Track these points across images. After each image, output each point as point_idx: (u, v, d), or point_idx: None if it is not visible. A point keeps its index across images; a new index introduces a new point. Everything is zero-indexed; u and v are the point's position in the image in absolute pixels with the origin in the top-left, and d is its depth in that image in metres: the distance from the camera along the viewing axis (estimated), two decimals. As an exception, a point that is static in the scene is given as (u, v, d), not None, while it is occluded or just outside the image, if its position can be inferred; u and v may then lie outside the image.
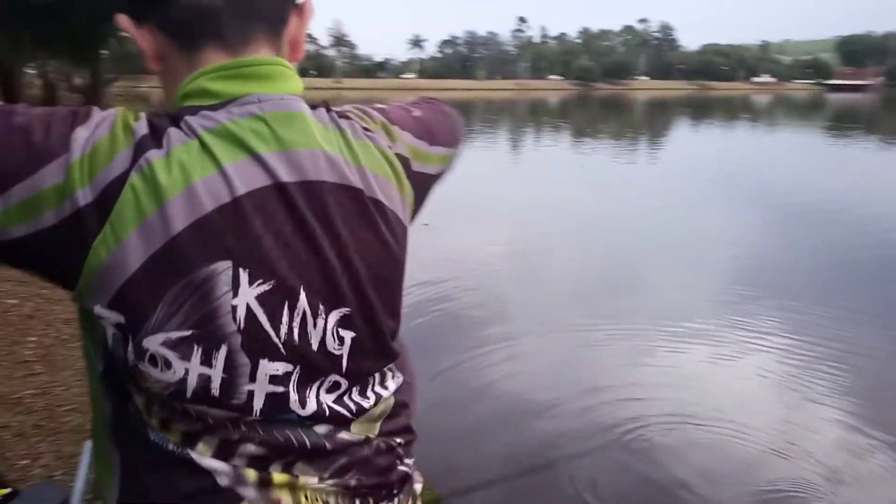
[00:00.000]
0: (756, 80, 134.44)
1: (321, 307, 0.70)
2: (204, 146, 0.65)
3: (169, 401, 0.66)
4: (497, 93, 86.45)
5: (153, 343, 0.63)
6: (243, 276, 0.65)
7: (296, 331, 0.69)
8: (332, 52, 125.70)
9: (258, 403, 0.68)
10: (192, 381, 0.65)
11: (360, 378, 0.77)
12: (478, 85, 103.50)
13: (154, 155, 0.62)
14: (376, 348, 0.78)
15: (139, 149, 0.62)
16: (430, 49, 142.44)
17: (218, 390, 0.66)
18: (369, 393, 0.79)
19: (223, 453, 0.69)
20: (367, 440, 0.79)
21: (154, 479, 0.69)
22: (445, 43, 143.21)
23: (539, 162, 18.02)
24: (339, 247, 0.71)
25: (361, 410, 0.78)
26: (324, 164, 0.70)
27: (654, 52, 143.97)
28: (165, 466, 0.69)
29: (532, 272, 7.08)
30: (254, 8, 0.71)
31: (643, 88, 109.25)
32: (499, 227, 9.07)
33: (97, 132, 0.62)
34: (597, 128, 32.27)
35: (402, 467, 0.84)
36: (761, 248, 8.06)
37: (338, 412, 0.75)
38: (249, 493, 0.71)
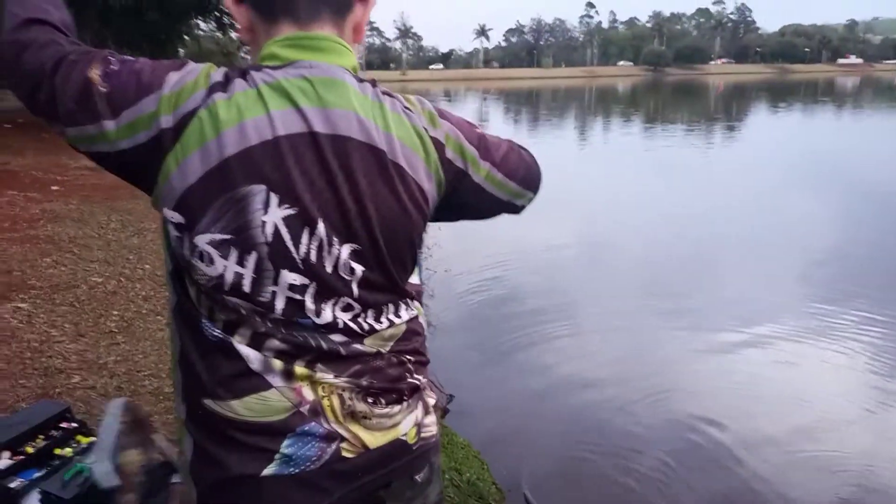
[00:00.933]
0: (842, 61, 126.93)
1: (335, 239, 0.86)
2: (259, 94, 0.82)
3: (212, 292, 0.84)
4: (564, 80, 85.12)
5: (202, 241, 0.81)
6: (274, 198, 0.82)
7: (313, 252, 0.85)
8: (397, 45, 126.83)
9: (279, 304, 0.85)
10: (228, 277, 0.83)
11: (370, 306, 0.92)
12: (544, 73, 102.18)
13: (220, 97, 0.81)
14: (385, 285, 0.93)
15: (211, 91, 0.81)
16: (496, 38, 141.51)
17: (248, 287, 0.83)
18: (383, 319, 0.94)
19: (255, 343, 0.86)
20: (379, 353, 0.95)
21: (201, 360, 0.88)
22: (511, 31, 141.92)
23: (606, 152, 17.73)
24: (357, 193, 0.86)
25: (373, 331, 0.93)
26: (354, 124, 0.86)
27: (731, 34, 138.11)
28: (211, 350, 0.87)
29: (606, 266, 6.90)
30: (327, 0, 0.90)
31: (719, 73, 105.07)
32: (566, 222, 8.75)
33: (186, 77, 0.82)
34: (666, 115, 31.42)
35: (411, 379, 1.00)
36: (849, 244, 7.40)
37: (350, 327, 0.91)
38: (276, 380, 0.87)
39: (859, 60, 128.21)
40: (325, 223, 0.85)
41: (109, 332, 3.60)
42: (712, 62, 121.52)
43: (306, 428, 0.89)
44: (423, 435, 1.02)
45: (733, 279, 6.32)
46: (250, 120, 0.81)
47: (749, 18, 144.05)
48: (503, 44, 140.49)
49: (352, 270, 0.89)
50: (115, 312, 3.89)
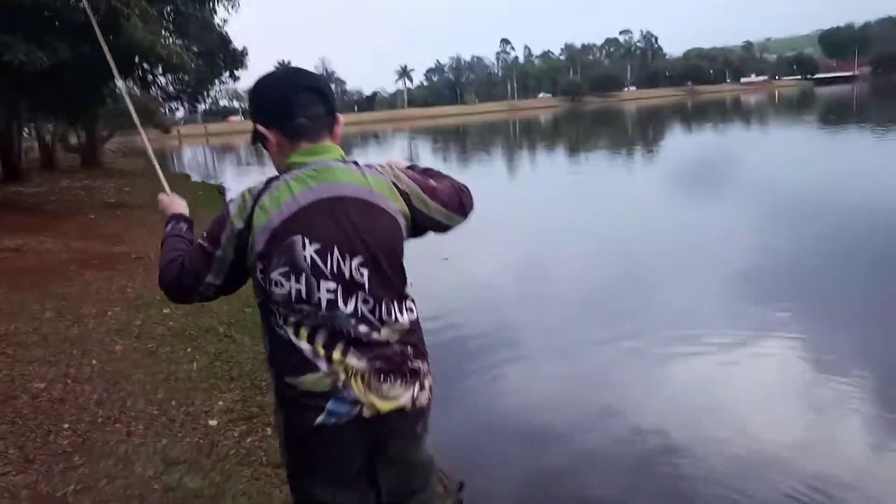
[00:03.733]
0: (745, 80, 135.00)
1: (347, 255, 1.47)
2: (288, 185, 1.48)
3: (285, 304, 1.47)
4: (488, 115, 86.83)
5: (275, 275, 1.46)
6: (307, 241, 1.45)
7: (335, 266, 1.47)
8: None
9: (323, 303, 1.47)
10: (293, 292, 1.46)
11: (380, 299, 1.51)
12: (468, 109, 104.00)
13: (265, 195, 1.48)
14: (386, 284, 1.52)
15: (258, 196, 1.49)
16: (418, 78, 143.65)
17: (304, 295, 1.46)
18: (392, 312, 1.53)
19: (310, 337, 1.47)
20: (388, 343, 1.52)
21: (278, 356, 1.52)
22: (432, 70, 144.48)
23: (537, 182, 17.99)
24: (354, 225, 1.48)
25: (383, 322, 1.51)
26: (347, 188, 1.50)
27: (640, 61, 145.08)
28: (283, 348, 1.49)
29: (554, 293, 7.09)
30: (323, 124, 1.56)
31: (632, 98, 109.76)
32: (509, 252, 9.10)
33: (235, 202, 1.50)
34: (589, 142, 32.33)
35: (411, 365, 1.56)
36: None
37: (369, 319, 1.50)
38: (322, 364, 1.47)
39: (762, 78, 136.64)
40: (337, 247, 1.47)
41: (63, 452, 3.12)
42: (626, 89, 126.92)
43: (342, 395, 1.47)
44: (417, 404, 1.57)
45: (665, 296, 6.56)
46: (284, 202, 1.46)
47: (655, 45, 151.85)
48: (425, 83, 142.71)
49: (361, 274, 1.49)
50: (66, 426, 3.40)
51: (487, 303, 6.82)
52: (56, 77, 11.12)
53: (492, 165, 23.51)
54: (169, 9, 14.38)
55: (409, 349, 1.57)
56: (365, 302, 1.50)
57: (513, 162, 24.48)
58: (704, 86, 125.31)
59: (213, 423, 3.56)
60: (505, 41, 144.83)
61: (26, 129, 23.61)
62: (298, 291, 1.46)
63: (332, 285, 1.47)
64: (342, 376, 1.47)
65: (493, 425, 4.10)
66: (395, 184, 1.55)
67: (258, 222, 1.47)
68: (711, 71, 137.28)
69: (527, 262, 8.68)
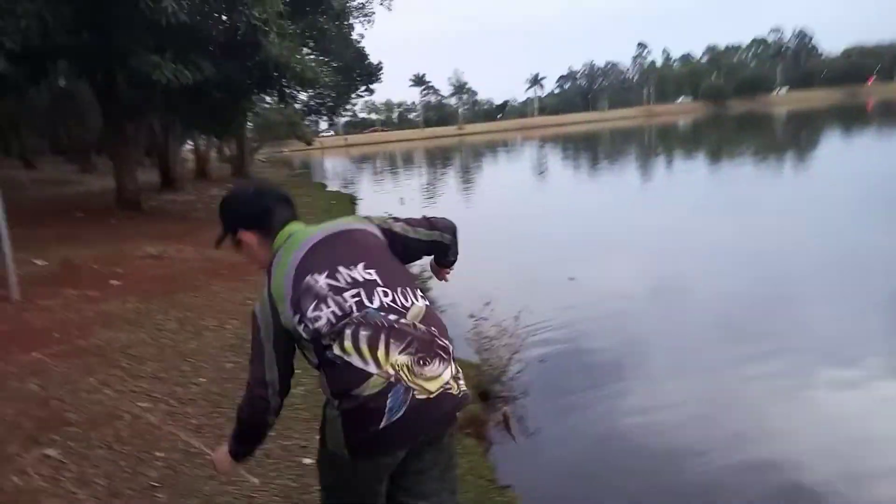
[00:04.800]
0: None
1: (352, 266, 1.78)
2: (285, 253, 1.83)
3: (328, 333, 1.71)
4: (621, 122, 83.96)
5: (310, 313, 1.72)
6: (316, 275, 1.76)
7: (348, 278, 1.76)
8: (453, 101, 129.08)
9: (353, 307, 1.72)
10: (329, 316, 1.71)
11: (394, 288, 1.78)
12: (600, 116, 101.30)
13: (272, 277, 1.82)
14: (395, 276, 1.82)
15: (268, 283, 1.82)
16: (550, 86, 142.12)
17: (339, 311, 1.72)
18: (408, 298, 1.79)
19: (356, 346, 1.69)
20: (415, 326, 1.76)
21: (337, 382, 1.71)
22: (563, 78, 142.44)
23: (673, 192, 16.76)
24: (345, 246, 1.84)
25: (406, 308, 1.77)
26: (326, 230, 1.88)
27: (792, 62, 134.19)
28: (340, 372, 1.70)
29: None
30: (287, 216, 1.94)
31: (783, 102, 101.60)
32: (639, 270, 8.47)
33: (257, 309, 1.83)
34: (731, 149, 29.98)
35: (441, 342, 1.78)
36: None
37: (394, 307, 1.75)
38: (373, 367, 1.68)
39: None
40: (341, 265, 1.78)
41: (149, 486, 2.95)
42: (776, 91, 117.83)
43: (397, 388, 1.68)
44: (461, 388, 1.80)
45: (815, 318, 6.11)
46: (288, 265, 1.80)
47: (809, 44, 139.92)
48: (556, 91, 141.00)
49: (371, 274, 1.78)
50: (159, 454, 3.25)
51: (614, 323, 6.39)
52: (202, 93, 11.78)
53: (621, 175, 22.35)
54: (306, 26, 14.87)
55: (434, 329, 1.78)
56: (385, 294, 1.75)
57: (645, 171, 23.13)
58: (868, 86, 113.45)
59: (307, 461, 3.27)
60: (641, 45, 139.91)
61: (188, 142, 25.78)
62: (333, 313, 1.71)
63: (353, 291, 1.74)
64: (391, 371, 1.67)
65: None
66: (366, 217, 1.99)
67: (278, 294, 1.78)
68: (876, 70, 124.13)
69: (659, 282, 7.99)
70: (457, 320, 6.04)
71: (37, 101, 20.87)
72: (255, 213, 1.91)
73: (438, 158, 44.53)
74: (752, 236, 9.82)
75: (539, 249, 10.32)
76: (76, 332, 5.13)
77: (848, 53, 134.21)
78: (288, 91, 14.17)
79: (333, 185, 26.03)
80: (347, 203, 17.68)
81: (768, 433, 4.04)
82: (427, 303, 1.83)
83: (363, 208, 16.85)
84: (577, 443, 4.19)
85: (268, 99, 21.83)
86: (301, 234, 1.85)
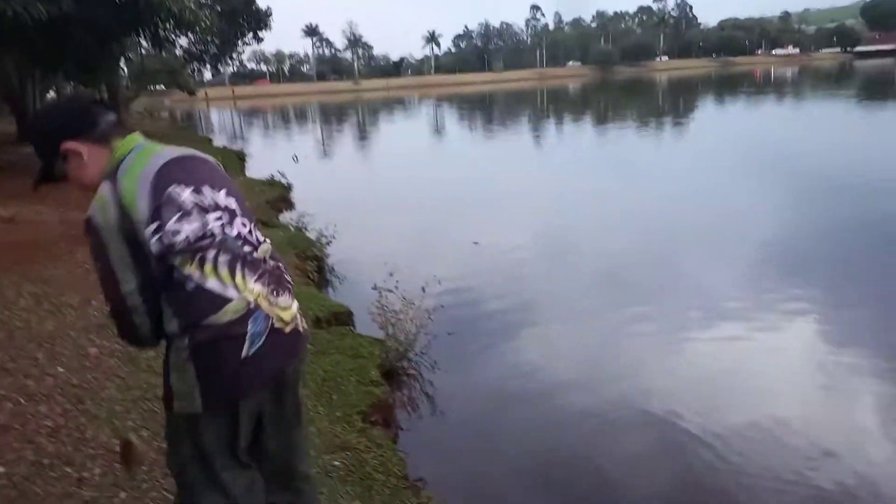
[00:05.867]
0: (780, 52, 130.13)
1: (215, 189, 1.68)
2: (134, 162, 1.62)
3: (185, 250, 1.57)
4: (516, 83, 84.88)
5: (170, 225, 1.57)
6: (185, 188, 1.62)
7: (212, 199, 1.64)
8: (348, 55, 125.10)
9: (216, 230, 1.62)
10: (189, 233, 1.57)
11: (249, 221, 1.73)
12: (496, 77, 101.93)
13: (119, 184, 1.57)
14: (247, 211, 1.75)
15: (114, 189, 1.57)
16: (446, 45, 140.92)
17: (200, 230, 1.60)
18: (259, 235, 1.74)
19: (215, 270, 1.59)
20: (265, 260, 1.71)
21: (191, 308, 1.59)
22: (460, 37, 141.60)
23: (560, 153, 17.10)
24: (206, 168, 1.75)
25: (259, 242, 1.72)
26: (193, 152, 1.77)
27: (673, 31, 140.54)
28: (195, 297, 1.58)
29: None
30: (115, 122, 1.71)
31: (664, 69, 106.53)
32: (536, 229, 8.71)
33: (95, 217, 1.57)
34: (617, 112, 31.07)
35: (287, 277, 1.78)
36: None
37: (250, 239, 1.69)
38: (233, 292, 1.60)
39: (796, 51, 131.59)
40: (206, 185, 1.65)
41: None
42: (658, 59, 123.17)
43: (256, 314, 1.62)
44: (305, 325, 1.81)
45: (691, 272, 6.53)
46: (140, 171, 1.62)
47: (689, 15, 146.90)
48: (453, 50, 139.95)
49: (231, 202, 1.69)
50: (2, 470, 2.67)
51: (522, 287, 6.37)
52: (62, 33, 10.37)
53: (518, 136, 22.46)
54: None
55: (280, 265, 1.78)
56: (243, 225, 1.69)
57: (538, 133, 23.38)
58: (738, 57, 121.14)
59: (189, 465, 2.81)
60: (535, 7, 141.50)
61: (52, 89, 23.09)
62: (194, 231, 1.57)
63: (217, 214, 1.63)
64: (250, 298, 1.61)
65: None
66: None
67: (129, 199, 1.55)
68: (747, 42, 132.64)
69: (553, 241, 8.19)
70: (360, 291, 5.67)
71: None
72: (80, 117, 1.66)
73: (333, 114, 43.05)
74: (635, 197, 10.32)
75: (439, 212, 10.06)
76: None
77: (722, 25, 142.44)
78: (163, 35, 12.82)
79: (220, 141, 24.40)
80: (235, 160, 16.53)
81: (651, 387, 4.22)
82: (270, 244, 1.78)
83: (253, 168, 15.83)
84: (488, 421, 4.01)
85: (144, 43, 19.90)
86: (151, 148, 1.67)
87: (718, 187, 10.70)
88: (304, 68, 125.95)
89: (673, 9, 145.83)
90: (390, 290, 4.67)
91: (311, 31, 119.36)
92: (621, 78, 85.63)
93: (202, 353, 1.57)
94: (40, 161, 1.70)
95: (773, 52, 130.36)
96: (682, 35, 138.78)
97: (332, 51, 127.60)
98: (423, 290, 4.67)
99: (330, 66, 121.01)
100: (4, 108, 22.73)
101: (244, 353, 1.58)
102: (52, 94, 24.35)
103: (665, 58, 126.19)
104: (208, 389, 1.59)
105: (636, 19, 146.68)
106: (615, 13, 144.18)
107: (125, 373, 3.70)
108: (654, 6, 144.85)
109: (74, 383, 3.52)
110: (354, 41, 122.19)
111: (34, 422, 3.08)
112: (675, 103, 35.23)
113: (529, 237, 8.29)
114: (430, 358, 4.52)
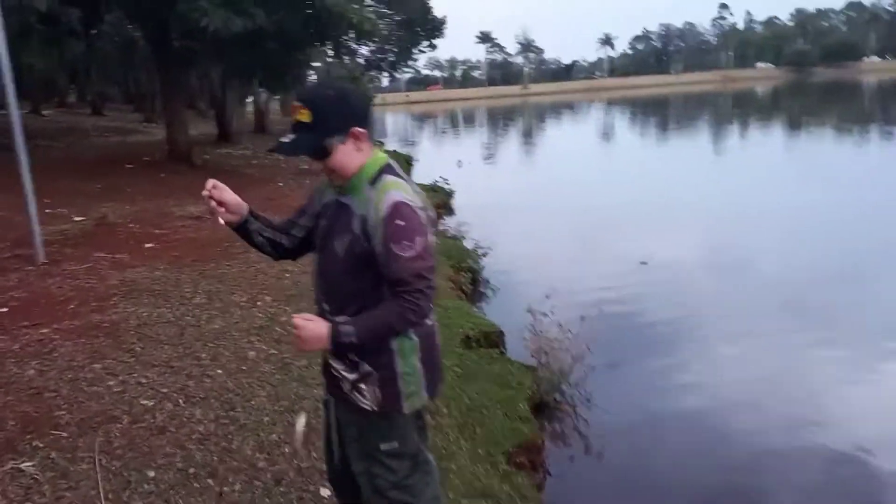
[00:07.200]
0: None
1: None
2: (399, 171, 1.82)
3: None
4: (696, 86, 79.91)
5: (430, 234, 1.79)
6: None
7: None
8: (519, 60, 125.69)
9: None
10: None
11: None
12: (674, 80, 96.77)
13: (403, 177, 1.81)
14: None
15: (397, 173, 1.79)
16: (622, 46, 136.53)
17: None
18: None
19: None
20: None
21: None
22: (637, 39, 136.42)
23: (743, 165, 15.52)
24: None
25: None
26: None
27: (888, 28, 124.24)
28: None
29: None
30: None
31: (874, 70, 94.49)
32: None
33: (418, 197, 1.75)
34: (816, 119, 27.79)
35: None
36: None
37: None
38: None
39: None
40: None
41: None
42: (866, 59, 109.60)
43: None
44: None
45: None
46: (411, 183, 1.84)
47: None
48: (629, 52, 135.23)
49: None
50: (151, 475, 2.73)
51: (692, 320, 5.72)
52: (255, 44, 11.23)
53: (691, 146, 20.89)
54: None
55: None
56: None
57: (717, 139, 21.56)
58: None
59: (325, 493, 2.70)
60: (723, 6, 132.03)
61: (250, 95, 25.49)
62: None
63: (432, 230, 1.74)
64: None
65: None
66: None
67: (423, 199, 1.76)
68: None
69: (733, 261, 7.41)
70: (513, 309, 5.39)
71: (107, 48, 20.90)
72: (369, 111, 1.82)
73: (500, 118, 43.30)
74: (827, 211, 9.29)
75: (604, 224, 9.49)
76: (93, 304, 4.70)
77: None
78: (345, 44, 13.48)
79: (391, 144, 25.41)
80: (403, 165, 17.02)
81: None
82: None
83: (418, 173, 16.19)
84: (648, 467, 3.58)
85: (328, 52, 21.25)
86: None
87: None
88: (477, 74, 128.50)
89: (891, 3, 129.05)
90: (545, 315, 4.33)
91: (485, 38, 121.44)
92: (819, 80, 77.42)
93: (426, 346, 1.73)
94: (313, 130, 1.68)
95: None
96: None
97: (504, 56, 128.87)
98: (582, 319, 4.27)
99: (501, 71, 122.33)
100: (209, 113, 25.49)
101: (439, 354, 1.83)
102: (250, 100, 26.88)
103: (875, 58, 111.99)
104: (432, 380, 1.76)
105: (843, 16, 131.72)
106: (818, 10, 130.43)
107: (277, 380, 3.72)
108: (867, 1, 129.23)
109: (230, 387, 3.59)
110: (526, 46, 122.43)
111: (188, 426, 3.15)
112: (884, 109, 30.95)
113: (705, 256, 7.52)
114: (586, 391, 4.13)
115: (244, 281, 5.59)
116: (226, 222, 1.85)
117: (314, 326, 1.68)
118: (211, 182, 1.82)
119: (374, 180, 1.71)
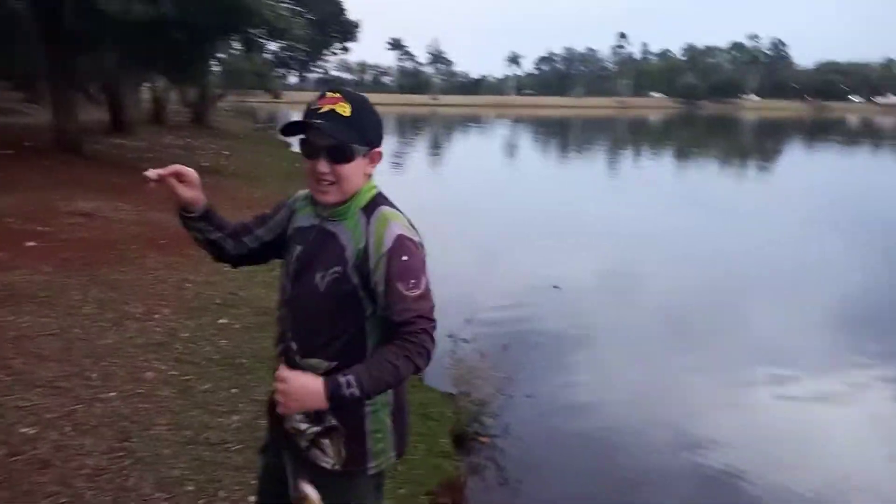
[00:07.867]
0: (881, 100, 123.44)
1: None
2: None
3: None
4: (595, 110, 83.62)
5: None
6: None
7: None
8: (429, 70, 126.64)
9: None
10: None
11: None
12: (576, 102, 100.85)
13: (402, 211, 1.65)
14: None
15: (394, 206, 1.64)
16: (527, 66, 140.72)
17: None
18: None
19: None
20: None
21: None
22: (543, 60, 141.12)
23: (635, 187, 16.49)
24: None
25: None
26: None
27: (766, 69, 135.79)
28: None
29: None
30: None
31: (753, 108, 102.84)
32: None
33: (415, 231, 1.60)
34: (703, 150, 29.92)
35: None
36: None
37: None
38: None
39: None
40: None
41: None
42: (746, 97, 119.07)
43: None
44: None
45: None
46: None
47: (784, 54, 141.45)
48: (535, 72, 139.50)
49: None
50: (32, 521, 2.40)
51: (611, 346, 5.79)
52: (158, 32, 10.56)
53: (590, 167, 21.80)
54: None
55: None
56: None
57: (616, 165, 22.63)
58: (833, 102, 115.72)
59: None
60: (622, 35, 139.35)
61: (146, 83, 23.94)
62: None
63: None
64: None
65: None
66: None
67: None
68: (844, 87, 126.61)
69: (639, 286, 7.69)
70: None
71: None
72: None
73: (408, 127, 43.33)
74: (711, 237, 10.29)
75: (516, 244, 9.62)
76: (-37, 312, 4.17)
77: (820, 68, 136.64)
78: (255, 39, 12.96)
79: (298, 146, 24.68)
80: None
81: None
82: None
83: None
84: (560, 494, 3.57)
85: (236, 45, 20.37)
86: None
87: (802, 238, 10.42)
88: (387, 80, 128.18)
89: (768, 47, 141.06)
90: (466, 341, 4.26)
91: (396, 45, 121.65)
92: (705, 114, 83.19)
93: (398, 399, 1.60)
94: (351, 127, 1.51)
95: (873, 99, 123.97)
96: (776, 75, 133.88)
97: (415, 65, 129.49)
98: (505, 347, 4.25)
99: (411, 80, 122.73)
100: (100, 98, 23.75)
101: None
102: (146, 86, 25.29)
103: (755, 96, 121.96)
104: (401, 437, 1.62)
105: (727, 55, 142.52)
106: (706, 47, 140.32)
107: (178, 406, 3.42)
108: (748, 43, 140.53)
109: (124, 413, 3.26)
110: (437, 57, 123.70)
111: (76, 459, 2.82)
112: (760, 145, 33.78)
113: (613, 281, 7.78)
114: (504, 421, 4.09)
115: (140, 289, 5.17)
116: (181, 202, 1.60)
117: (305, 381, 1.41)
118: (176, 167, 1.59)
119: (368, 208, 1.55)
